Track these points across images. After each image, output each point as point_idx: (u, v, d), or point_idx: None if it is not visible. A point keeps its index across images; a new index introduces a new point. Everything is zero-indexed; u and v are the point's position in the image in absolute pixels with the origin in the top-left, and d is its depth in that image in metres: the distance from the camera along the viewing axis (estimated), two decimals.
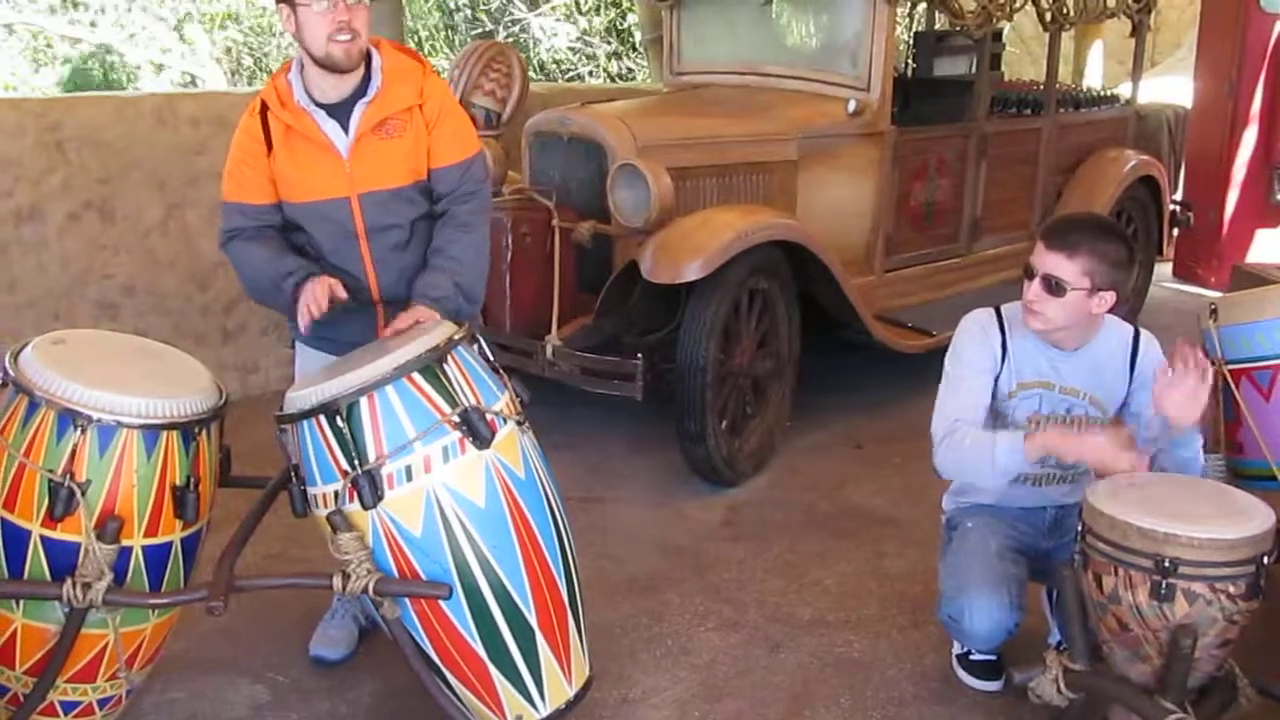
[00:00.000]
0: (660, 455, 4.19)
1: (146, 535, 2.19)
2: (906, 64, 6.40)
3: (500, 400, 2.34)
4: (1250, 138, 6.63)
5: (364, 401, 2.19)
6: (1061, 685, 2.39)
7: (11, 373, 2.17)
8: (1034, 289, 2.58)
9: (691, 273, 3.69)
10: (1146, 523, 2.20)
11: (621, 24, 13.04)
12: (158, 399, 2.19)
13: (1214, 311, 3.12)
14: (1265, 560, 2.20)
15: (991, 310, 2.74)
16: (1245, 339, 3.02)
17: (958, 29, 5.07)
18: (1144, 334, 2.75)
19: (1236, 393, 2.99)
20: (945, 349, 2.79)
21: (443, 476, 2.20)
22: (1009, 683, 2.72)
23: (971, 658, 2.84)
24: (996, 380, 2.68)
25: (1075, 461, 2.55)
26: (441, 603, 2.21)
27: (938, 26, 6.43)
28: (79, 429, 2.10)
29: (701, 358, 3.73)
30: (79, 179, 4.40)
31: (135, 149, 4.52)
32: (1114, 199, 5.64)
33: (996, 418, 2.70)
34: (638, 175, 3.85)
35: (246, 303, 4.77)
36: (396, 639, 2.29)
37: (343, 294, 2.56)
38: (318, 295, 2.53)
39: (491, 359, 2.44)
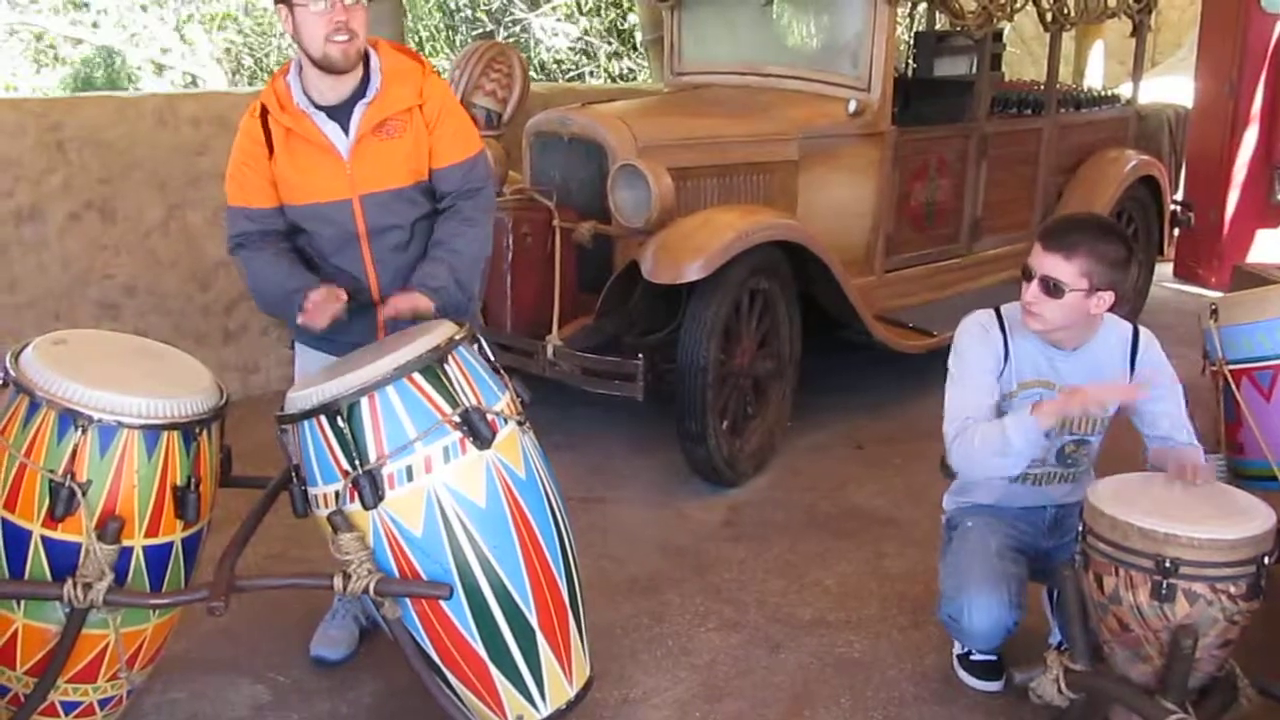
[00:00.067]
0: (661, 455, 4.19)
1: (147, 535, 2.19)
2: (907, 64, 6.40)
3: (501, 400, 2.34)
4: (1251, 138, 6.63)
5: (365, 401, 2.19)
6: (1062, 685, 2.39)
7: (12, 373, 2.17)
8: (1032, 290, 2.58)
9: (692, 273, 3.69)
10: (1147, 523, 2.20)
11: (622, 24, 13.05)
12: (158, 399, 2.19)
13: (1214, 311, 3.12)
14: (1266, 561, 2.20)
15: (991, 311, 2.74)
16: (1246, 339, 3.02)
17: (958, 29, 5.07)
18: (1143, 332, 2.75)
19: (1237, 393, 2.99)
20: (946, 349, 2.79)
21: (443, 476, 2.20)
22: (1010, 683, 2.72)
23: (972, 658, 2.84)
24: (998, 380, 2.68)
25: (1082, 409, 2.57)
26: (442, 603, 2.21)
27: (938, 27, 6.44)
28: (80, 429, 2.10)
29: (702, 358, 3.73)
30: (80, 179, 4.40)
31: (136, 149, 4.52)
32: (1115, 199, 5.64)
33: (998, 417, 2.70)
34: (638, 175, 3.85)
35: (247, 303, 4.77)
36: (397, 639, 2.29)
37: (343, 297, 2.57)
38: (326, 300, 2.54)
39: (492, 359, 2.44)
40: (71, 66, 12.60)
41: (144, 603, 2.24)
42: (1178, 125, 6.79)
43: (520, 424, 2.37)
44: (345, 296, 2.57)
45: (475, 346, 2.40)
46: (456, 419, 2.21)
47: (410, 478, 2.19)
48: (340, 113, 2.60)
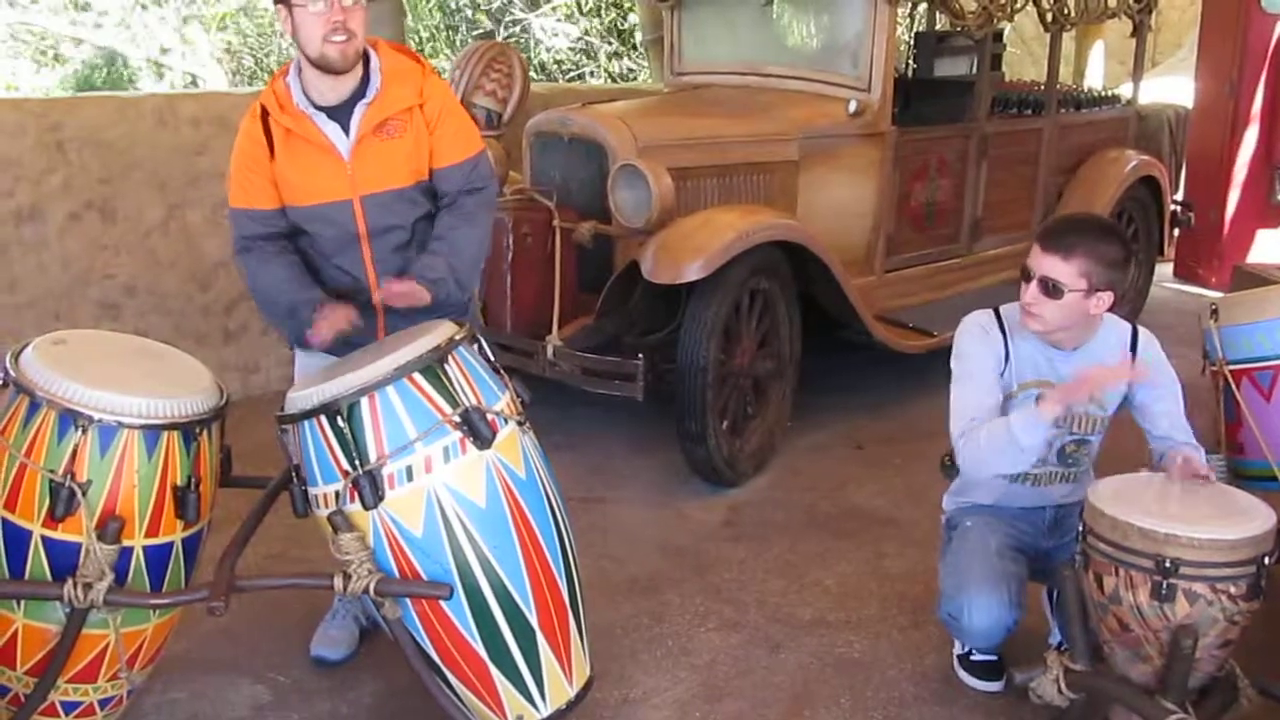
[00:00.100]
0: (661, 455, 4.19)
1: (147, 535, 2.19)
2: (907, 64, 6.40)
3: (501, 400, 2.34)
4: (1251, 138, 6.63)
5: (365, 402, 2.19)
6: (1062, 685, 2.39)
7: (12, 373, 2.18)
8: (1031, 291, 2.58)
9: (692, 273, 3.69)
10: (1147, 523, 2.20)
11: (622, 24, 13.05)
12: (159, 399, 2.19)
13: (1215, 312, 3.12)
14: (1266, 561, 2.20)
15: (990, 312, 2.74)
16: (1246, 339, 3.02)
17: (959, 29, 5.07)
18: (1143, 331, 2.75)
19: (1237, 393, 3.00)
20: (946, 349, 2.79)
21: (444, 476, 2.20)
22: (1010, 683, 2.72)
23: (972, 658, 2.84)
24: (1000, 380, 2.68)
25: (1090, 394, 2.57)
26: (442, 603, 2.21)
27: (939, 27, 6.43)
28: (80, 429, 2.10)
29: (702, 358, 3.73)
30: (80, 179, 4.40)
31: (136, 149, 4.52)
32: (1115, 199, 5.64)
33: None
34: (638, 175, 3.85)
35: (247, 303, 4.77)
36: (397, 639, 2.29)
37: (357, 321, 2.57)
38: (337, 318, 2.53)
39: (492, 359, 2.44)
40: (72, 66, 12.58)
41: (144, 603, 2.24)
42: (1178, 125, 6.80)
43: (520, 424, 2.37)
44: (357, 318, 2.57)
45: (475, 346, 2.40)
46: (457, 419, 2.21)
47: (410, 478, 2.19)
48: (340, 113, 2.60)
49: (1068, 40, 6.26)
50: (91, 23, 12.34)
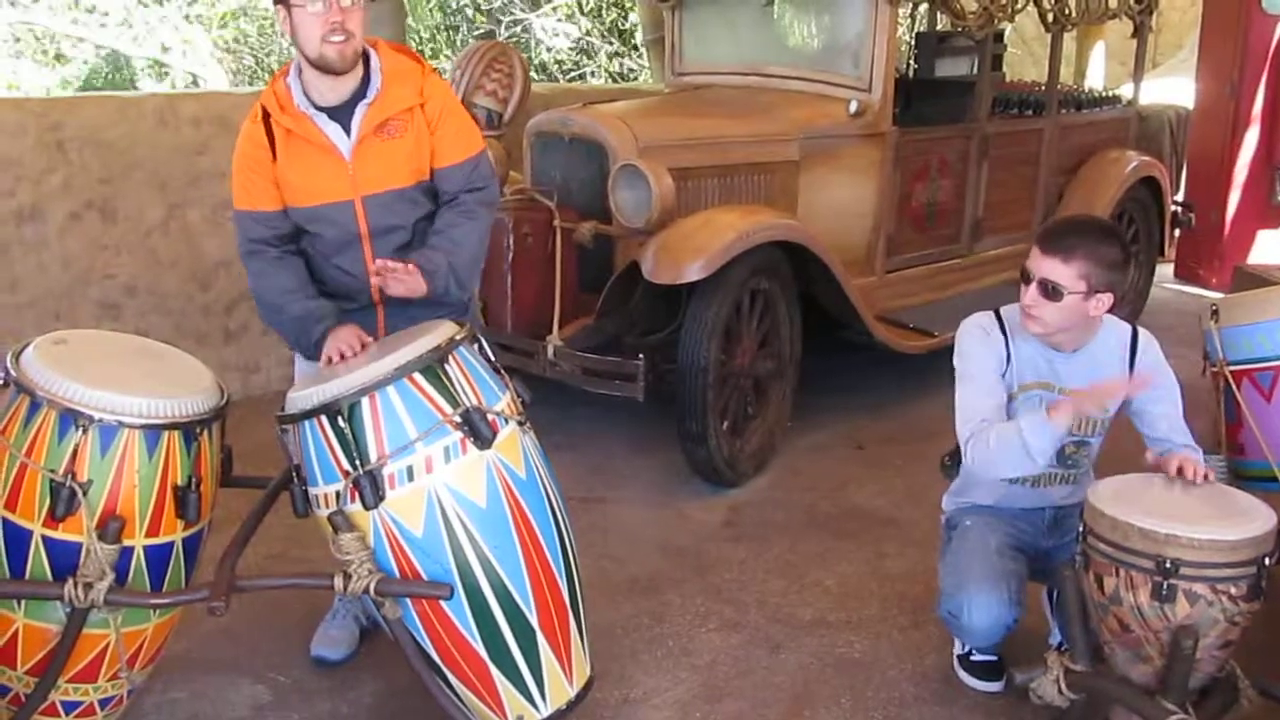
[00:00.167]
0: (661, 456, 4.19)
1: (148, 535, 2.19)
2: (908, 65, 6.40)
3: (502, 400, 2.34)
4: (1252, 139, 6.63)
5: (365, 402, 2.19)
6: (1063, 686, 2.39)
7: (13, 373, 2.18)
8: (1031, 293, 2.58)
9: (693, 273, 3.69)
10: (1148, 524, 2.20)
11: (623, 24, 13.05)
12: (159, 399, 2.19)
13: (1215, 312, 3.12)
14: (1266, 561, 2.20)
15: (991, 313, 2.74)
16: (1246, 340, 3.02)
17: (959, 30, 5.06)
18: (1142, 332, 2.75)
19: (1238, 394, 2.99)
20: (947, 350, 2.79)
21: (444, 476, 2.20)
22: (1010, 683, 2.72)
23: (973, 658, 2.84)
24: (1002, 380, 2.68)
25: (1100, 407, 2.58)
26: (443, 603, 2.21)
27: (939, 27, 6.43)
28: (80, 429, 2.10)
29: (703, 358, 3.73)
30: (80, 179, 4.40)
31: (137, 149, 4.52)
32: (1115, 200, 5.64)
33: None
34: (639, 176, 3.85)
35: (248, 303, 4.77)
36: (398, 639, 2.29)
37: (369, 340, 2.56)
38: (348, 343, 2.52)
39: (493, 359, 2.44)
40: (75, 66, 12.59)
41: (145, 602, 2.24)
42: (1179, 126, 6.79)
43: (521, 424, 2.37)
44: (369, 341, 2.56)
45: (476, 346, 2.40)
46: (457, 419, 2.21)
47: (411, 478, 2.19)
48: (341, 114, 2.60)
49: (1068, 41, 6.26)
50: (95, 23, 12.34)
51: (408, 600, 2.25)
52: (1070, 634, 2.41)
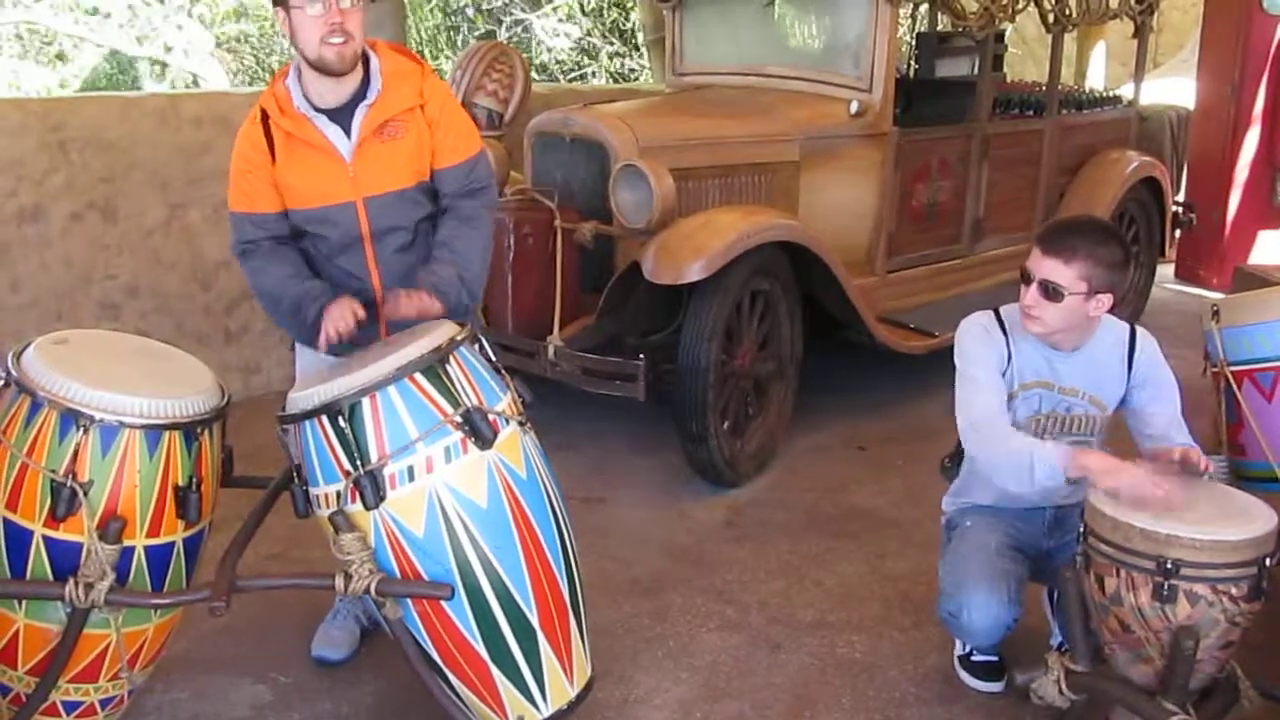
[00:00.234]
0: (662, 456, 4.19)
1: (149, 535, 2.19)
2: (909, 65, 6.40)
3: (502, 400, 2.34)
4: (1252, 139, 6.63)
5: (366, 402, 2.19)
6: (1063, 686, 2.39)
7: (14, 373, 2.18)
8: (1031, 294, 2.58)
9: (693, 273, 3.69)
10: (1149, 524, 2.20)
11: (624, 24, 13.05)
12: (160, 399, 2.19)
13: (1216, 313, 3.12)
14: (1267, 562, 2.20)
15: (990, 313, 2.74)
16: (1247, 340, 3.02)
17: (960, 30, 5.06)
18: (1140, 332, 2.75)
19: (1239, 394, 2.99)
20: (948, 350, 2.79)
21: (445, 477, 2.20)
22: (1011, 684, 2.72)
23: (974, 659, 2.85)
24: (1003, 378, 2.69)
25: (1109, 491, 2.36)
26: (443, 603, 2.21)
27: (940, 27, 6.43)
28: (81, 429, 2.10)
29: (703, 358, 3.73)
30: (82, 179, 4.40)
31: (138, 149, 4.52)
32: (1116, 200, 5.64)
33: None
34: (640, 176, 3.85)
35: (248, 303, 4.78)
36: (398, 639, 2.29)
37: (362, 314, 2.56)
38: (343, 317, 2.53)
39: (494, 359, 2.44)
40: (76, 67, 12.59)
41: (145, 602, 2.24)
42: (1179, 126, 6.79)
43: (522, 424, 2.37)
44: (362, 312, 2.56)
45: (477, 347, 2.41)
46: (458, 419, 2.21)
47: (412, 478, 2.19)
48: (341, 115, 2.59)
49: (1069, 41, 6.26)
50: (98, 23, 12.34)
51: (408, 600, 2.25)
52: (1071, 634, 2.41)
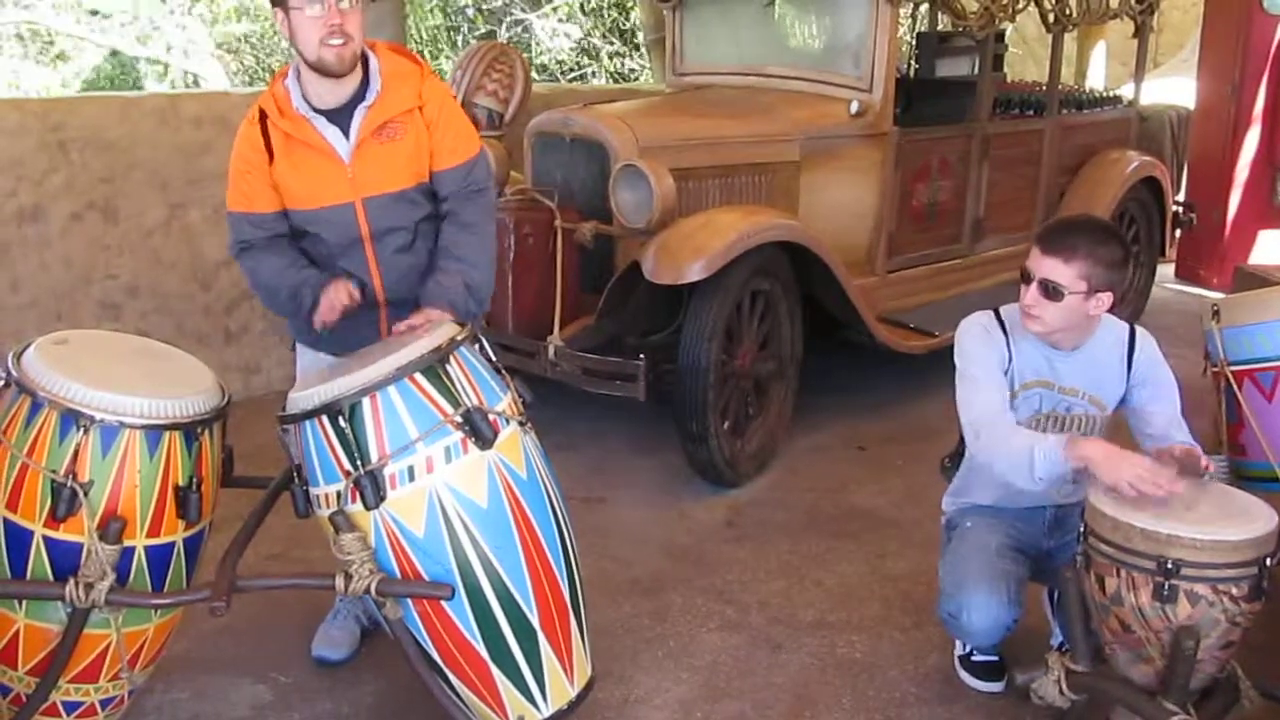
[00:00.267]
0: (662, 456, 4.19)
1: (149, 535, 2.19)
2: (909, 65, 6.40)
3: (503, 400, 2.34)
4: (1253, 139, 6.63)
5: (366, 402, 2.19)
6: (1064, 686, 2.39)
7: (14, 373, 2.18)
8: (1031, 293, 2.58)
9: (693, 273, 3.69)
10: (1149, 524, 2.20)
11: (624, 24, 13.05)
12: (160, 399, 2.19)
13: (1216, 313, 3.12)
14: (1268, 562, 2.20)
15: (990, 313, 2.74)
16: (1248, 340, 3.02)
17: (960, 30, 5.06)
18: (1140, 331, 2.75)
19: (1239, 394, 2.99)
20: (948, 350, 2.79)
21: (445, 477, 2.20)
22: (1011, 684, 2.72)
23: (974, 659, 2.85)
24: (1004, 376, 2.69)
25: (1106, 481, 2.36)
26: (444, 603, 2.21)
27: (940, 27, 6.43)
28: (82, 429, 2.10)
29: (703, 358, 3.73)
30: (82, 179, 4.40)
31: (138, 149, 4.52)
32: (1116, 200, 5.64)
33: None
34: (640, 176, 3.85)
35: (249, 303, 4.78)
36: (399, 639, 2.29)
37: (357, 295, 2.57)
38: (338, 296, 2.54)
39: (494, 359, 2.44)
40: (78, 66, 12.59)
41: (146, 603, 2.24)
42: (1179, 126, 6.80)
43: (522, 424, 2.37)
44: (357, 293, 2.57)
45: (477, 347, 2.40)
46: (458, 419, 2.21)
47: (412, 478, 2.19)
48: (340, 116, 2.59)
49: (1069, 41, 6.26)
50: (98, 24, 12.34)
51: (409, 600, 2.25)
52: (1071, 634, 2.41)
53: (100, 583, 2.10)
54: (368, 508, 2.19)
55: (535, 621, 2.28)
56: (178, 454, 2.20)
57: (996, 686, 2.80)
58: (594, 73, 13.09)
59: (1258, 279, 4.57)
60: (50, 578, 2.13)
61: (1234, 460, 3.05)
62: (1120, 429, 2.79)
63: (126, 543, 2.15)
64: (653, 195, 3.82)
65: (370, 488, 2.17)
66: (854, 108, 4.52)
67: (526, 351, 3.95)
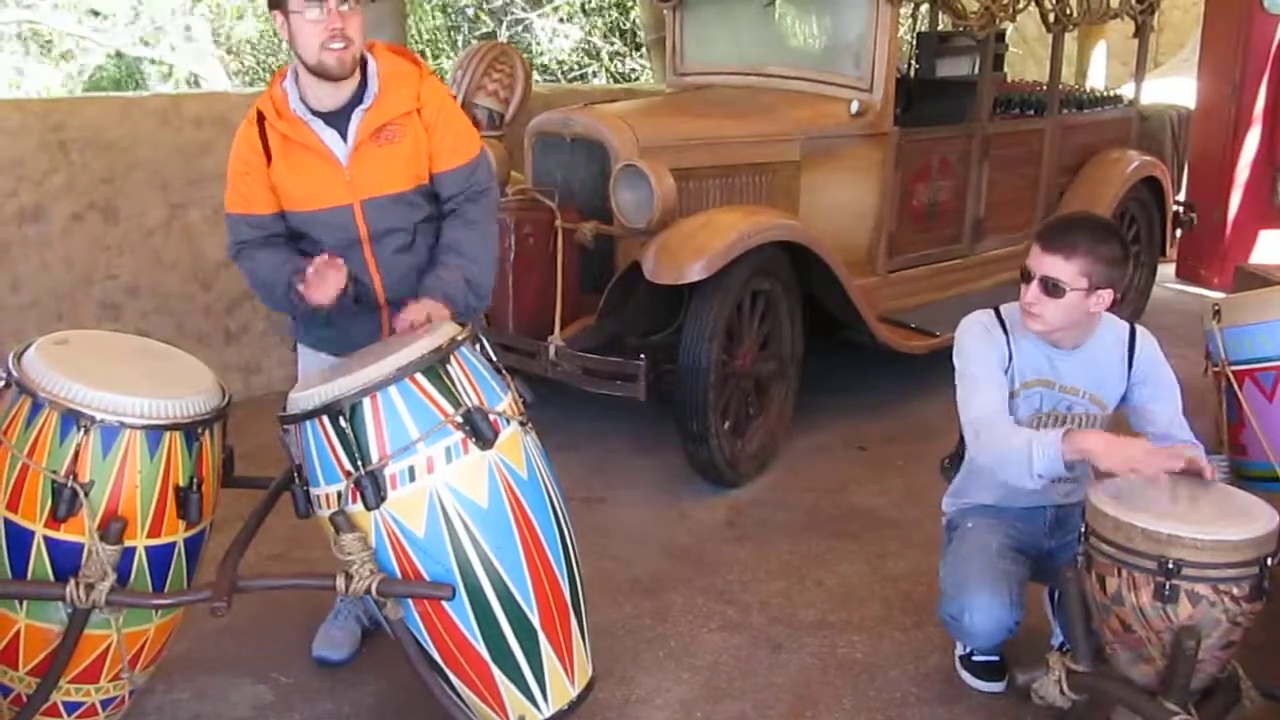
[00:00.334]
0: (663, 456, 4.19)
1: (149, 536, 2.19)
2: (909, 65, 6.40)
3: (503, 401, 2.34)
4: (1253, 139, 6.62)
5: (367, 402, 2.19)
6: (1064, 686, 2.39)
7: (15, 373, 2.18)
8: (1032, 291, 2.58)
9: (694, 273, 3.69)
10: (1150, 524, 2.20)
11: (625, 24, 13.05)
12: (161, 399, 2.19)
13: (1217, 312, 3.12)
14: (1269, 562, 2.19)
15: (990, 312, 2.74)
16: (1248, 340, 3.02)
17: (961, 29, 5.06)
18: (1140, 330, 2.75)
19: (1240, 394, 2.99)
20: (948, 350, 2.79)
21: (445, 477, 2.20)
22: (1012, 684, 2.72)
23: (975, 659, 2.84)
24: (1004, 376, 2.68)
25: (1108, 469, 2.41)
26: (444, 603, 2.21)
27: (941, 27, 6.43)
28: (82, 429, 2.10)
29: (704, 358, 3.73)
30: (82, 179, 4.40)
31: (138, 149, 4.52)
32: (1117, 200, 5.64)
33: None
34: (640, 176, 3.85)
35: (249, 303, 4.78)
36: (399, 639, 2.29)
37: (341, 265, 2.51)
38: (326, 270, 2.48)
39: (494, 359, 2.44)
40: (77, 63, 12.59)
41: (146, 603, 2.24)
42: (1180, 126, 6.80)
43: (522, 424, 2.37)
44: (343, 265, 2.52)
45: (477, 347, 2.40)
46: (459, 419, 2.21)
47: (412, 478, 2.19)
48: (338, 119, 2.59)
49: (1070, 40, 6.26)
50: (100, 24, 12.34)
51: (409, 601, 2.25)
52: (1072, 634, 2.40)
53: (101, 583, 2.10)
54: (368, 508, 2.18)
55: (536, 621, 2.28)
56: (178, 454, 2.20)
57: (997, 686, 2.80)
58: (594, 73, 13.09)
59: (1258, 279, 4.56)
60: (51, 578, 2.13)
61: (1235, 460, 3.05)
62: (1121, 427, 2.78)
63: (127, 543, 2.15)
64: (653, 195, 3.82)
65: (371, 488, 2.17)
66: (854, 108, 4.52)
67: (527, 351, 3.95)
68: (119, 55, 12.56)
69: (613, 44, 13.12)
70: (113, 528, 2.11)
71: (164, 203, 4.62)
